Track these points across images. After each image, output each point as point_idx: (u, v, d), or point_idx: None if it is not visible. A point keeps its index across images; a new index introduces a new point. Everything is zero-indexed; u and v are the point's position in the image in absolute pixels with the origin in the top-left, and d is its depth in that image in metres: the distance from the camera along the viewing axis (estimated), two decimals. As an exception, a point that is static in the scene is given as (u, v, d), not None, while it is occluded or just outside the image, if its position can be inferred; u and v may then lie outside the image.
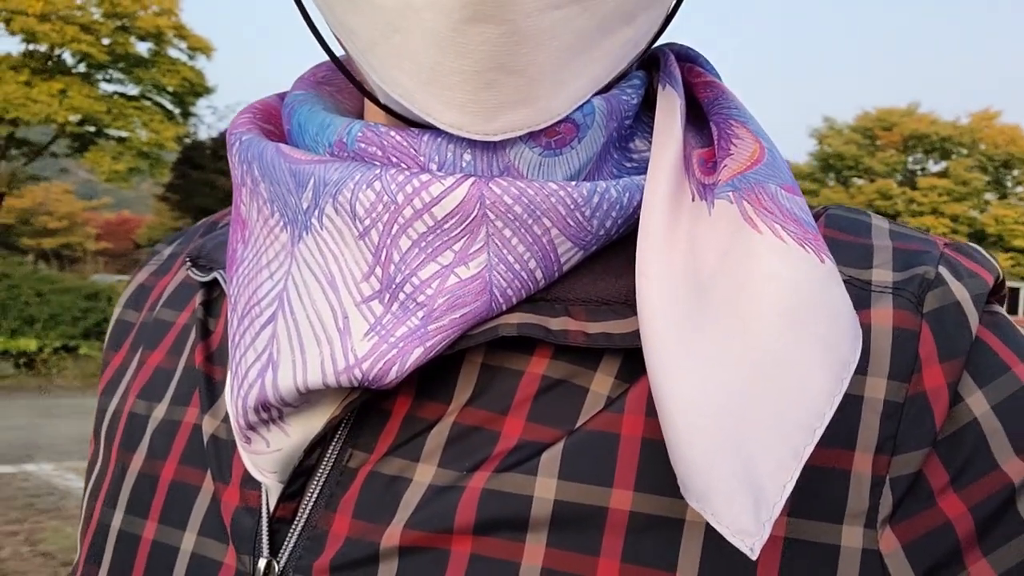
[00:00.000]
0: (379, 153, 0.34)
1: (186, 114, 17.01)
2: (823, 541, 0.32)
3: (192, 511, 0.38)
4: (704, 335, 0.31)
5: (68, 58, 15.41)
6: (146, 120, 15.56)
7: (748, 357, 0.30)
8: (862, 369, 0.33)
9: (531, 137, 0.34)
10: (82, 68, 15.61)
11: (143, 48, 15.76)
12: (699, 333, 0.31)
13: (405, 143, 0.34)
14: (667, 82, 0.38)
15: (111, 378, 0.47)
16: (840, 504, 0.32)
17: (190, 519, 0.38)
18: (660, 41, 0.40)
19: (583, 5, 0.31)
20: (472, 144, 0.33)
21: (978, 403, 0.33)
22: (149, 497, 0.40)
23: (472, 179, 0.32)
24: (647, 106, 0.40)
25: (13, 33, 14.17)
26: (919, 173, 23.41)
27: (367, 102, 0.39)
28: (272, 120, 0.41)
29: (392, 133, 0.34)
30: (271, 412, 0.35)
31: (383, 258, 0.33)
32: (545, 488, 0.32)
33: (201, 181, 16.94)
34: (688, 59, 0.42)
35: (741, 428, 0.29)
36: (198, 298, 0.43)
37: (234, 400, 0.35)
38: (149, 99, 16.40)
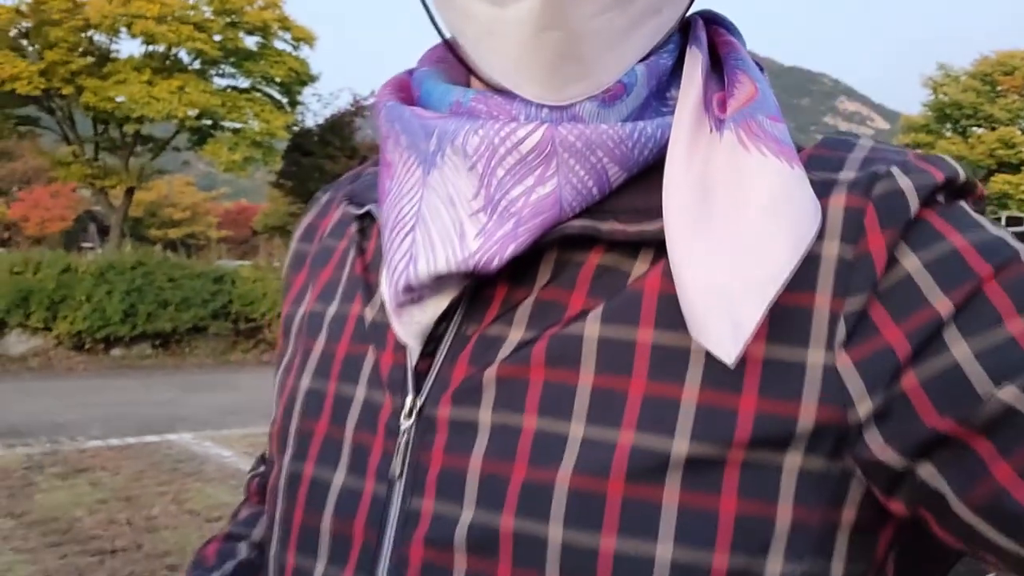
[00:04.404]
0: (484, 109, 0.49)
1: (293, 103, 17.68)
2: (793, 360, 0.43)
3: (361, 372, 0.54)
4: (708, 226, 0.43)
5: (184, 56, 16.22)
6: (257, 111, 16.25)
7: (737, 239, 0.43)
8: (821, 236, 0.43)
9: (591, 95, 0.48)
10: (197, 65, 16.41)
11: (251, 42, 16.43)
12: (704, 225, 0.43)
13: (503, 102, 0.48)
14: (694, 44, 0.51)
15: (297, 293, 0.63)
16: (806, 333, 0.43)
17: (360, 377, 0.54)
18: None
19: (620, 9, 0.45)
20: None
21: (912, 262, 0.43)
22: (329, 367, 0.56)
23: (546, 125, 0.46)
24: (681, 62, 0.52)
25: (134, 36, 15.03)
26: (1046, 118, 21.90)
27: (473, 75, 0.54)
28: (404, 90, 0.56)
29: (495, 96, 0.49)
30: (413, 294, 0.49)
31: (486, 183, 0.47)
32: (592, 331, 0.46)
33: (311, 167, 17.43)
34: (715, 22, 0.54)
35: (730, 286, 0.42)
36: (353, 227, 0.59)
37: (390, 286, 0.50)
38: (259, 91, 17.10)
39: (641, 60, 0.49)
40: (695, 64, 0.49)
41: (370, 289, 0.56)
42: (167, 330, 11.07)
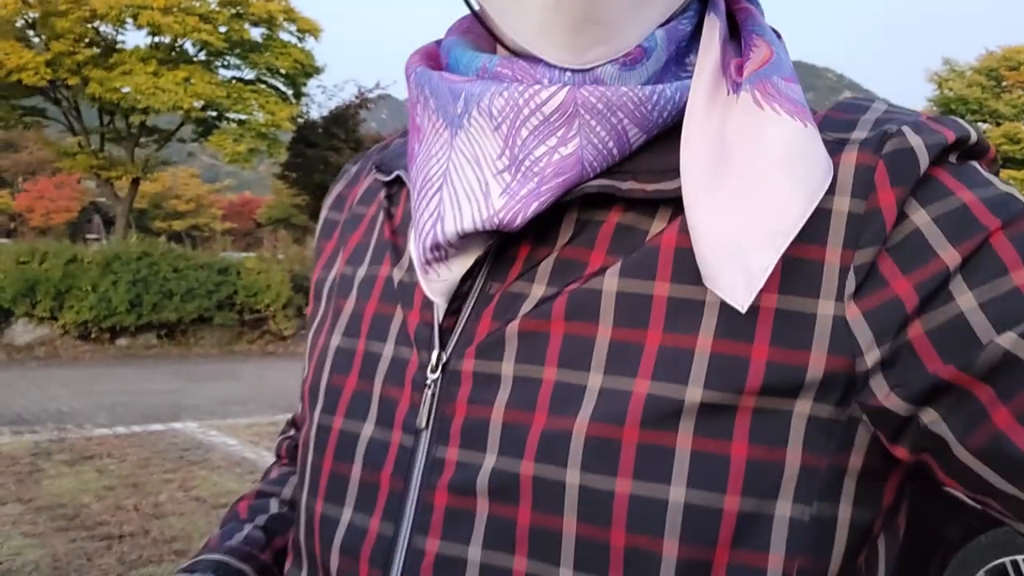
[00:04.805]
0: (509, 73, 0.50)
1: (298, 95, 17.67)
2: (804, 311, 0.45)
3: (389, 330, 0.56)
4: (723, 182, 0.45)
5: (189, 47, 16.24)
6: (262, 102, 16.25)
7: (751, 194, 0.45)
8: (832, 191, 0.45)
9: (612, 59, 0.49)
10: (202, 56, 16.42)
11: (256, 33, 16.44)
12: (720, 181, 0.45)
13: (527, 67, 0.50)
14: (712, 11, 0.52)
15: (327, 259, 0.65)
16: (817, 284, 0.45)
17: (388, 335, 0.56)
18: None
19: None
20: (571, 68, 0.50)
21: (921, 217, 0.44)
22: (359, 325, 0.58)
23: (568, 87, 0.48)
24: (700, 29, 0.53)
25: (140, 27, 15.05)
26: (1052, 114, 21.83)
27: (498, 43, 0.56)
28: (432, 58, 0.58)
29: (520, 61, 0.50)
30: (440, 252, 0.51)
31: (510, 143, 0.49)
32: (610, 286, 0.48)
33: (316, 159, 17.40)
34: None
35: (742, 238, 0.44)
36: (382, 193, 0.62)
37: (417, 244, 0.52)
38: (264, 82, 17.10)
39: (661, 26, 0.50)
40: (713, 30, 0.51)
41: (398, 251, 0.58)
42: (172, 320, 11.10)
